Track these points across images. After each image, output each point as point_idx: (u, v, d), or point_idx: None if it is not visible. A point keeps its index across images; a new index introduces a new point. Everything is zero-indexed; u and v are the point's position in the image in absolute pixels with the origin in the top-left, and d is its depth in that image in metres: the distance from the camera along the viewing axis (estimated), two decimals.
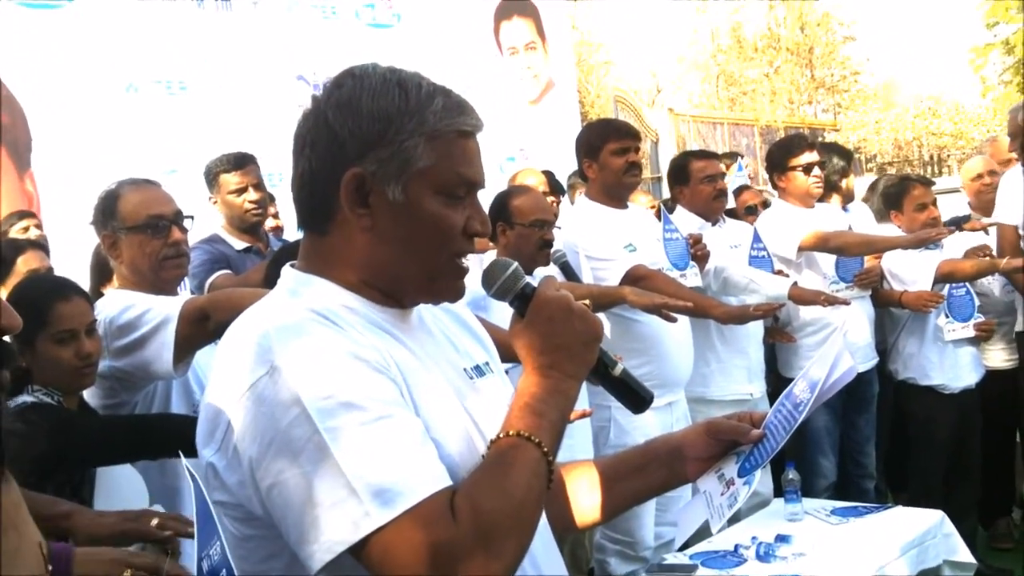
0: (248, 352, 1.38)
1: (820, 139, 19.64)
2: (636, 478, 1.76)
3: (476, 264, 4.28)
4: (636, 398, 1.62)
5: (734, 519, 4.13)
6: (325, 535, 1.27)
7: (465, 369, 1.58)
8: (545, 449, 1.38)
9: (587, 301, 1.54)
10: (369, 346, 1.40)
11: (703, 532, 1.79)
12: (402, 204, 1.46)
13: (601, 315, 4.28)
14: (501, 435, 1.40)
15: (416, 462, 1.31)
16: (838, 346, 1.67)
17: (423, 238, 1.48)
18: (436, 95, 1.49)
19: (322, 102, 1.50)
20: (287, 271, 1.56)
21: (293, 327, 1.38)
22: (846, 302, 4.87)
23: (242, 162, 4.44)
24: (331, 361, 1.34)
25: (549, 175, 6.01)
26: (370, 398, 1.33)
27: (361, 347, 1.38)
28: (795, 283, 4.84)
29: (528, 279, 1.56)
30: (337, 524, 1.26)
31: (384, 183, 1.45)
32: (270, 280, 1.62)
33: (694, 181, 4.96)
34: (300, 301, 1.45)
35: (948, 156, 27.14)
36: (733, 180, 6.30)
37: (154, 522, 2.38)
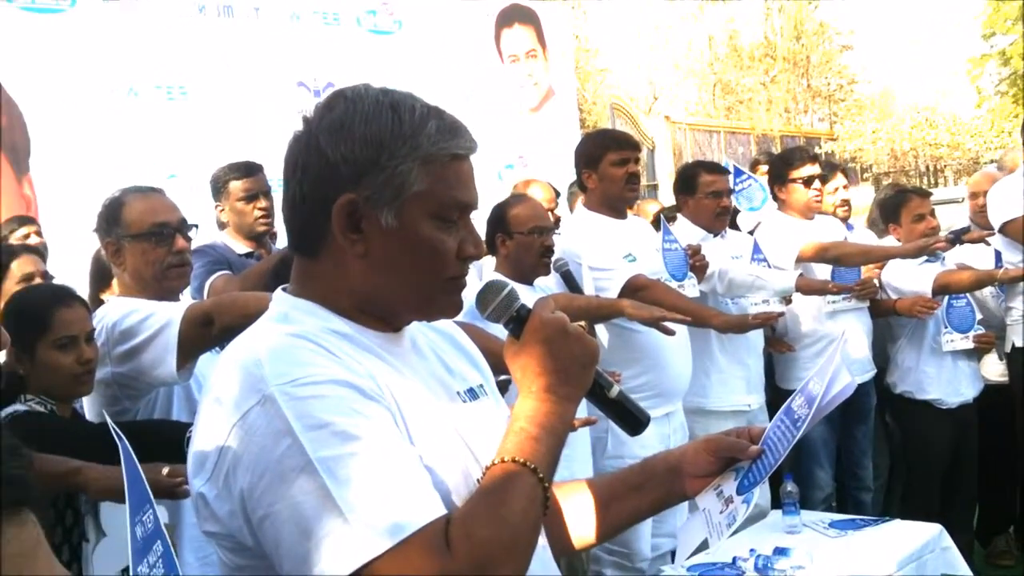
0: (240, 380, 1.36)
1: (817, 149, 19.72)
2: (634, 497, 1.73)
3: (475, 274, 4.27)
4: (632, 419, 1.60)
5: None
6: (318, 566, 1.25)
7: (459, 392, 1.56)
8: (541, 475, 1.35)
9: (583, 322, 1.52)
10: (362, 373, 1.38)
11: (701, 544, 1.78)
12: (395, 229, 1.44)
13: (599, 326, 4.29)
14: (496, 461, 1.37)
15: (410, 491, 1.29)
16: (836, 361, 1.65)
17: (417, 263, 1.47)
18: (430, 118, 1.46)
19: (313, 125, 1.47)
20: (279, 295, 1.54)
21: (285, 355, 1.36)
22: (852, 288, 4.89)
23: (252, 170, 4.45)
24: (324, 390, 1.32)
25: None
26: (363, 427, 1.31)
27: (354, 374, 1.37)
28: (800, 274, 4.83)
29: (522, 301, 1.54)
30: (331, 555, 1.24)
31: (377, 208, 1.43)
32: (270, 291, 1.62)
33: (700, 194, 4.90)
34: (292, 328, 1.43)
35: (944, 167, 27.25)
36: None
37: (164, 470, 2.42)
